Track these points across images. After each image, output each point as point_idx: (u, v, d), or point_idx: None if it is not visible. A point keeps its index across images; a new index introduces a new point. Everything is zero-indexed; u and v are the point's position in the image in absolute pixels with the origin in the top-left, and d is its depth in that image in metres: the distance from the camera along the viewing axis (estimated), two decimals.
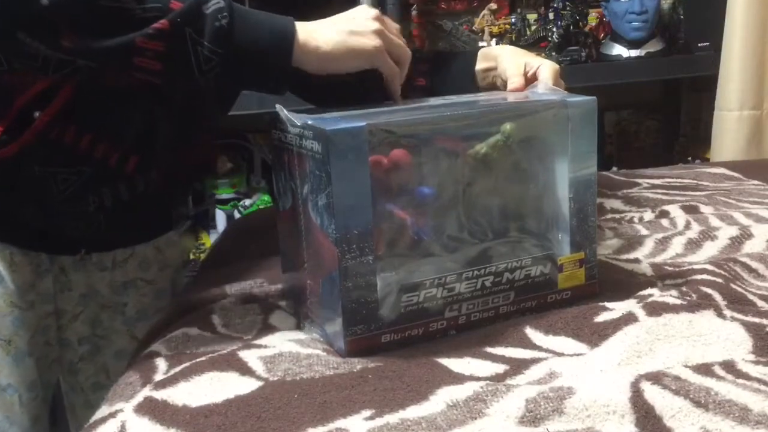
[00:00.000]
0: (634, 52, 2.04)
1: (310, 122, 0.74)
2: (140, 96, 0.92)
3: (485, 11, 2.13)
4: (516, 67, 0.99)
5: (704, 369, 0.67)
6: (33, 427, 1.07)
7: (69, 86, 0.89)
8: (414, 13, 2.12)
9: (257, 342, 0.80)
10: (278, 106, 0.78)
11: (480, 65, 1.07)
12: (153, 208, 1.09)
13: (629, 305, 0.80)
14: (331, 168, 0.70)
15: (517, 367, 0.71)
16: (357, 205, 0.72)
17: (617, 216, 1.21)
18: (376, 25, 0.84)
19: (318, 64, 0.83)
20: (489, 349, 0.75)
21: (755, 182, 1.38)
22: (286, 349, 0.77)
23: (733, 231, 1.03)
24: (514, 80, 0.97)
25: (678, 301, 0.79)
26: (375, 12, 0.86)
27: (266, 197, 2.17)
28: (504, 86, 1.01)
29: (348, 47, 0.83)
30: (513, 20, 2.13)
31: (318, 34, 0.83)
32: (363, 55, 0.83)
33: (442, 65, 1.14)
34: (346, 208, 0.72)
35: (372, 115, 0.78)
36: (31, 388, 1.05)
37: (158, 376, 0.74)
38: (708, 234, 1.03)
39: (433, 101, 0.89)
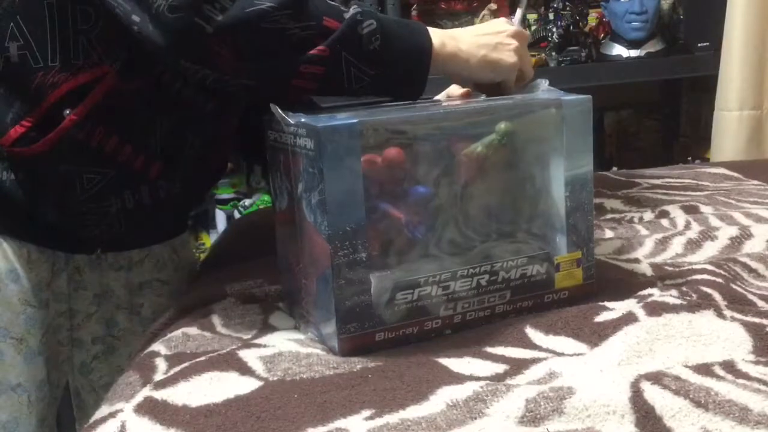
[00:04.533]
0: (633, 52, 2.04)
1: (303, 120, 0.74)
2: (168, 102, 0.95)
3: (485, 11, 2.13)
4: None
5: (704, 369, 0.67)
6: (39, 428, 1.06)
7: (100, 87, 0.91)
8: (414, 13, 2.12)
9: (257, 342, 0.80)
10: (272, 106, 0.78)
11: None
12: (171, 210, 1.09)
13: (629, 305, 0.80)
14: (323, 164, 0.70)
15: (517, 367, 0.71)
16: (349, 202, 0.72)
17: (617, 216, 1.21)
18: (515, 43, 0.89)
19: (461, 73, 0.90)
20: (489, 349, 0.75)
21: (755, 182, 1.38)
22: (286, 348, 0.77)
23: (733, 231, 1.03)
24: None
25: (678, 301, 0.79)
26: (514, 28, 0.91)
27: (266, 197, 2.17)
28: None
29: (489, 60, 0.88)
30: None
31: (462, 45, 0.87)
32: (500, 70, 0.89)
33: None
34: (338, 205, 0.72)
35: (366, 112, 0.78)
36: (40, 387, 1.05)
37: (158, 376, 0.74)
38: (708, 234, 1.03)
39: (428, 100, 0.89)
